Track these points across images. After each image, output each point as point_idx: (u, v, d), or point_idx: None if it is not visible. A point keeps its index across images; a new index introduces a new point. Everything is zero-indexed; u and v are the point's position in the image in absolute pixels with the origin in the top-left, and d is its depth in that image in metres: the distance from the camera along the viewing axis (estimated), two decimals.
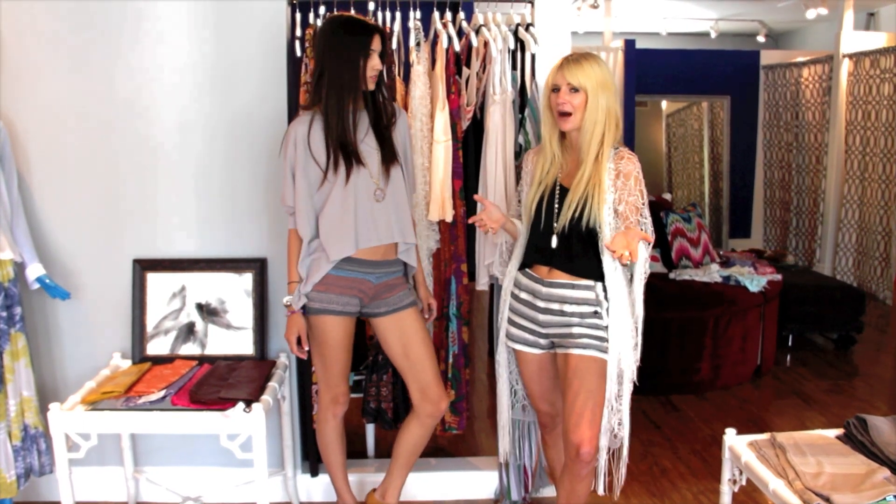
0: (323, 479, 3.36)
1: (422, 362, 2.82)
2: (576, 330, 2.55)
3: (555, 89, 2.54)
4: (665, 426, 4.19)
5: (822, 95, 7.30)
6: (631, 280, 2.59)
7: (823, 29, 8.22)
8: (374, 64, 2.61)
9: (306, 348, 2.80)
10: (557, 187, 2.60)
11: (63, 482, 2.75)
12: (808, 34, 8.87)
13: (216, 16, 3.09)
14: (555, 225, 2.57)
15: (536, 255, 2.65)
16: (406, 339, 2.81)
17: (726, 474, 2.62)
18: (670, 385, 4.65)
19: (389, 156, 2.70)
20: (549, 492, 3.35)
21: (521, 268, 2.71)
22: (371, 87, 2.64)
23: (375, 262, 2.74)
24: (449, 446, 3.77)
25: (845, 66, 6.99)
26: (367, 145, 2.68)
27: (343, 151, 2.64)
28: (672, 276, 5.07)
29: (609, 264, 2.53)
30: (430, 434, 2.93)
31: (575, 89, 2.50)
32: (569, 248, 2.54)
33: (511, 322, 2.74)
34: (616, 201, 2.50)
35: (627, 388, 2.60)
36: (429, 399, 2.83)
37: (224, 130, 3.15)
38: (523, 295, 2.68)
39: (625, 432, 2.62)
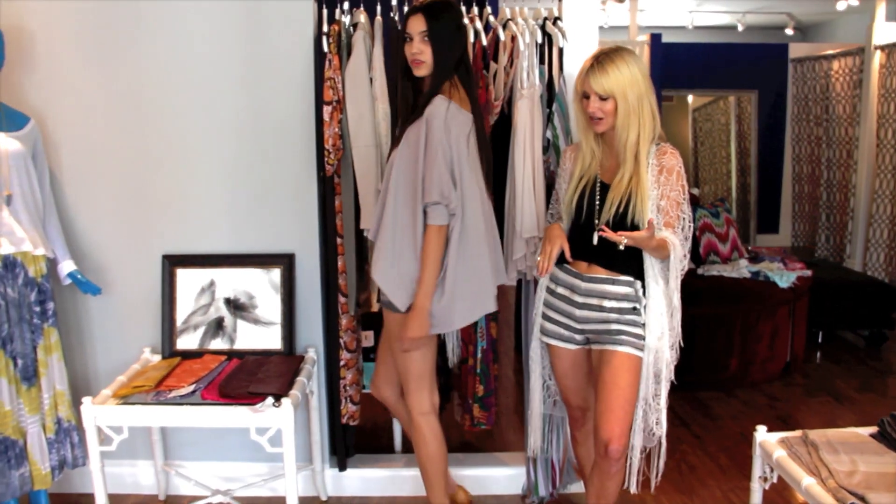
0: (351, 473, 3.37)
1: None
2: (614, 326, 2.54)
3: (585, 96, 2.51)
4: (693, 423, 4.16)
5: (852, 88, 7.21)
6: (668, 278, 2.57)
7: (854, 21, 8.10)
8: (409, 48, 2.56)
9: None
10: (598, 183, 2.57)
11: (96, 475, 2.78)
12: (838, 26, 8.75)
13: (245, 13, 3.10)
14: (596, 221, 2.54)
15: (576, 250, 2.62)
16: None
17: (757, 472, 2.60)
18: (698, 382, 4.62)
19: (393, 145, 2.65)
20: (576, 488, 3.34)
21: (559, 262, 2.69)
22: (416, 72, 2.58)
23: None
24: (477, 442, 3.77)
25: (877, 59, 6.88)
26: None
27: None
28: (700, 271, 5.03)
29: (649, 261, 2.51)
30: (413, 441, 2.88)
31: (604, 97, 2.45)
32: (610, 244, 2.51)
33: (545, 317, 2.72)
34: (659, 197, 2.48)
35: (665, 387, 2.58)
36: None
37: (252, 126, 3.16)
38: (560, 290, 2.66)
39: (662, 431, 2.60)
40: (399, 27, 2.85)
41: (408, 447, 3.51)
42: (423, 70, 2.57)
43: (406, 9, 3.01)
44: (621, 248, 2.36)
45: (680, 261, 2.49)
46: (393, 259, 2.56)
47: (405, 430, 3.03)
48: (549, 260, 2.57)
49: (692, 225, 2.54)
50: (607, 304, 2.55)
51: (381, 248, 2.58)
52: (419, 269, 2.54)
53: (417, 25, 2.53)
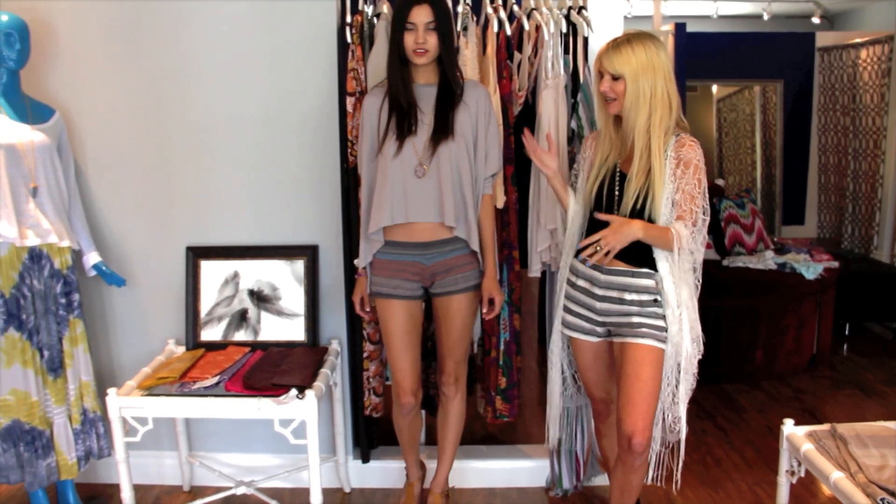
0: (374, 465, 3.38)
1: (448, 346, 2.86)
2: (635, 319, 2.51)
3: (601, 76, 2.50)
4: (718, 416, 4.13)
5: (881, 77, 7.09)
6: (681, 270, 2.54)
7: (883, 8, 7.97)
8: (416, 38, 2.58)
9: (367, 309, 2.90)
10: (617, 173, 2.55)
11: (121, 465, 2.80)
12: (867, 14, 8.61)
13: (267, 4, 3.09)
14: (615, 213, 2.51)
15: None
16: (444, 320, 2.83)
17: (784, 465, 2.57)
18: (723, 374, 4.58)
19: (438, 132, 2.65)
20: (600, 480, 3.32)
21: (578, 255, 2.67)
22: (418, 61, 2.61)
23: (423, 243, 2.72)
24: (500, 434, 3.76)
25: None
26: (423, 121, 2.67)
27: (396, 123, 2.66)
28: (725, 262, 4.99)
29: (661, 253, 2.48)
30: (455, 414, 2.98)
31: (616, 77, 2.44)
32: None
33: (567, 309, 2.71)
34: (674, 191, 2.44)
35: (685, 382, 2.54)
36: (441, 377, 2.95)
37: (276, 117, 3.16)
38: (580, 282, 2.64)
39: (680, 426, 2.57)
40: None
41: (431, 439, 3.51)
42: (425, 58, 2.62)
43: None
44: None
45: (691, 252, 2.47)
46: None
47: (408, 432, 3.02)
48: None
49: (707, 219, 2.48)
50: (627, 296, 2.53)
51: (474, 229, 2.75)
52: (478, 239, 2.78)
53: (424, 16, 2.57)
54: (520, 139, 3.04)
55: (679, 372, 2.52)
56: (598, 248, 2.36)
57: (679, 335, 2.49)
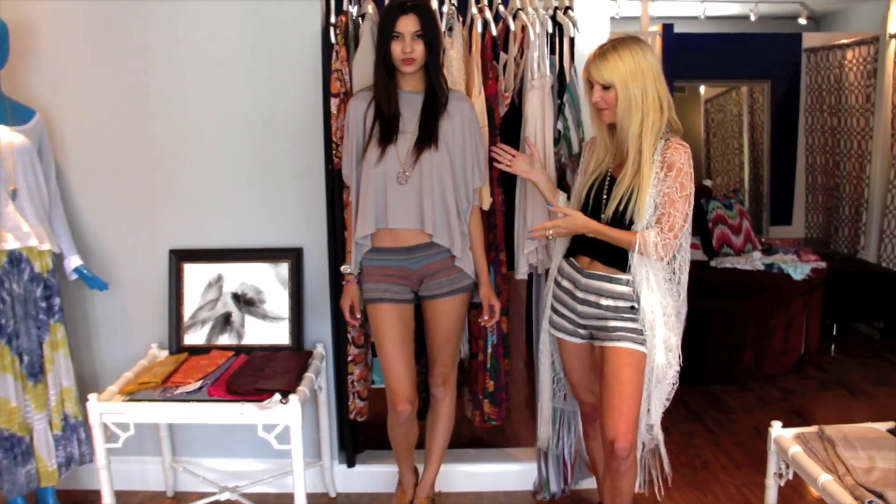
0: (360, 469, 3.35)
1: (436, 349, 2.86)
2: (611, 323, 2.50)
3: (591, 85, 2.48)
4: (706, 417, 4.12)
5: (866, 78, 7.12)
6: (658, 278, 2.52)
7: (869, 9, 8.00)
8: (403, 47, 2.58)
9: (358, 315, 2.87)
10: (608, 178, 2.53)
11: (102, 472, 2.76)
12: (853, 15, 8.65)
13: (251, 4, 3.06)
14: (602, 216, 2.50)
15: (580, 244, 2.59)
16: (432, 323, 2.83)
17: (772, 468, 2.56)
18: (711, 375, 4.57)
19: (422, 140, 2.66)
20: (588, 484, 3.30)
21: (567, 256, 2.66)
22: (405, 69, 2.61)
23: (407, 247, 2.73)
24: (488, 437, 3.74)
25: (892, 47, 6.79)
26: (406, 128, 2.67)
27: (379, 130, 2.66)
28: (713, 263, 4.99)
29: (637, 258, 2.45)
30: (445, 416, 3.00)
31: (606, 86, 2.42)
32: None
33: (554, 310, 2.70)
34: (657, 194, 2.42)
35: (658, 391, 2.53)
36: (430, 379, 2.95)
37: (260, 119, 3.13)
38: (565, 283, 2.63)
39: (655, 433, 2.55)
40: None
41: (418, 443, 3.48)
42: (412, 67, 2.62)
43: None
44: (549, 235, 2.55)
45: (661, 259, 2.42)
46: (465, 243, 2.77)
47: (404, 440, 2.99)
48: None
49: (686, 223, 2.42)
50: (604, 301, 2.51)
51: (457, 236, 2.73)
52: (470, 247, 2.81)
53: (410, 25, 2.58)
54: (505, 140, 3.02)
55: (652, 378, 2.51)
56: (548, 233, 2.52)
57: (652, 343, 2.47)
